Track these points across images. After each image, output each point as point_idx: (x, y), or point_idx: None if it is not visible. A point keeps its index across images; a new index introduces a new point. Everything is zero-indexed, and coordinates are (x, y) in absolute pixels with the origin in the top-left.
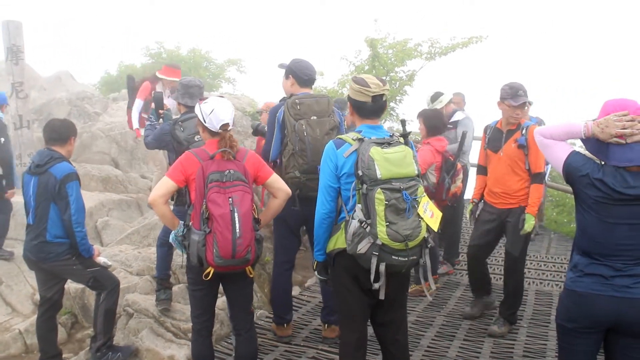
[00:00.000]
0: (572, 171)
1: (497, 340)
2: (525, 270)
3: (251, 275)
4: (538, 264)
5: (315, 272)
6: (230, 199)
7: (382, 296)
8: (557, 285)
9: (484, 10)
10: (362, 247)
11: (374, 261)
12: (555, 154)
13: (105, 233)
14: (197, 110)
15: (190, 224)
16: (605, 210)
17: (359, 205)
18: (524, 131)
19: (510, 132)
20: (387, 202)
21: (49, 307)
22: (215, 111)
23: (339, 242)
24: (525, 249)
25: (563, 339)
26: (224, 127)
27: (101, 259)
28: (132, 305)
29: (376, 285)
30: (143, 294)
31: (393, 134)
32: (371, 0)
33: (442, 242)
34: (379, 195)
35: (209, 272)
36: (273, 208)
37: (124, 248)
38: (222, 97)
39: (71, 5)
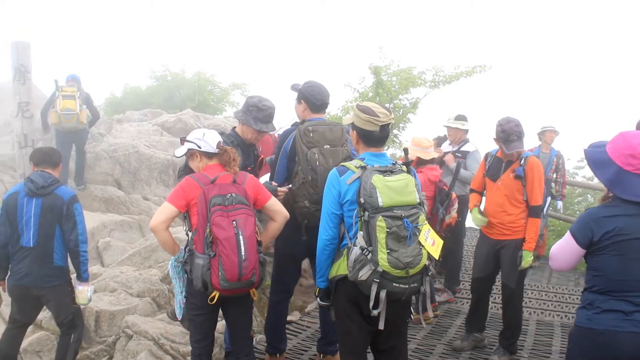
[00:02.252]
0: (589, 234)
1: None
2: (526, 300)
3: (255, 298)
4: (539, 293)
5: (317, 299)
6: (234, 222)
7: (381, 326)
8: (558, 315)
9: (489, 39)
10: (363, 274)
11: (374, 288)
12: (565, 249)
13: (107, 254)
14: (185, 146)
15: (192, 248)
16: (626, 248)
17: (361, 233)
18: (522, 162)
19: (509, 163)
20: (388, 230)
21: (22, 326)
22: (205, 134)
23: (341, 268)
24: (522, 280)
25: None
26: (219, 144)
27: (89, 292)
28: (131, 327)
29: (375, 312)
30: (143, 315)
31: (396, 162)
32: (376, 24)
33: (443, 270)
34: (381, 223)
35: (214, 296)
36: (272, 231)
37: (124, 269)
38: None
39: (77, 26)
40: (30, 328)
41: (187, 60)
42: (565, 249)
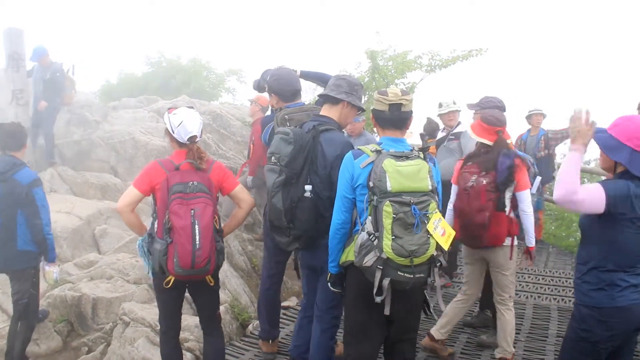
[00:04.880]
0: (617, 201)
1: (494, 353)
2: (523, 284)
3: (211, 284)
4: (536, 277)
5: (329, 284)
6: (192, 211)
7: (387, 311)
8: (554, 299)
9: (486, 22)
10: (369, 260)
11: (377, 275)
12: (593, 202)
13: (103, 241)
14: (165, 119)
15: (154, 232)
16: None
17: (370, 218)
18: None
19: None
20: (394, 216)
21: None
22: (183, 123)
23: (350, 254)
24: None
25: (591, 356)
26: (192, 139)
27: (56, 272)
28: (128, 314)
29: (378, 299)
30: (140, 302)
31: (414, 149)
32: (371, 9)
33: None
34: (387, 208)
35: (169, 280)
36: (237, 218)
37: (121, 256)
38: (191, 107)
39: (71, 13)
40: None
41: (182, 46)
42: (592, 200)
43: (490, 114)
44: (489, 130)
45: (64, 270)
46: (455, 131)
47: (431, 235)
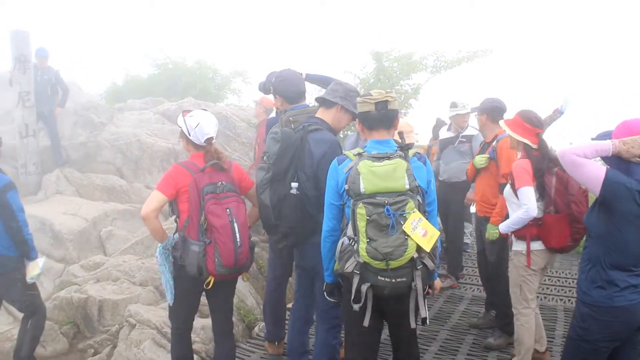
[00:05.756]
0: (614, 187)
1: (501, 355)
2: None
3: (245, 280)
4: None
5: (325, 294)
6: (228, 210)
7: (366, 322)
8: (561, 300)
9: (485, 22)
10: (349, 265)
11: (355, 280)
12: (591, 173)
13: (109, 243)
14: (180, 122)
15: (185, 235)
16: None
17: (351, 222)
18: (494, 143)
19: (487, 144)
20: (368, 217)
21: None
22: (200, 125)
23: None
24: (504, 255)
25: (591, 356)
26: (209, 140)
27: (40, 261)
28: (134, 316)
29: (356, 307)
30: (146, 304)
31: (403, 148)
32: (375, 9)
33: (446, 257)
34: (361, 210)
35: (209, 282)
36: (253, 217)
37: (127, 258)
38: (205, 110)
39: (77, 14)
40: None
41: (188, 48)
42: (590, 173)
43: (533, 114)
44: (532, 131)
45: (70, 272)
46: (465, 133)
47: (409, 236)
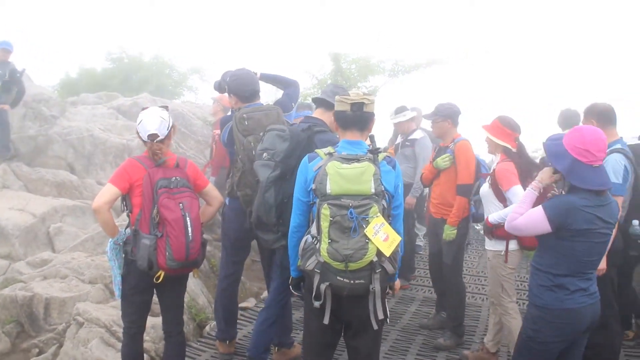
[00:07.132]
0: (563, 217)
1: (450, 355)
2: (479, 286)
3: (195, 277)
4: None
5: (290, 287)
6: (180, 205)
7: (326, 320)
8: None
9: (486, 22)
10: (310, 263)
11: (316, 279)
12: (536, 224)
13: (58, 239)
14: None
15: (138, 228)
16: (593, 234)
17: (315, 221)
18: (451, 145)
19: (444, 148)
20: (332, 219)
21: None
22: (143, 122)
23: None
24: (459, 258)
25: (541, 356)
26: (152, 137)
27: None
28: (82, 314)
29: (317, 304)
30: (95, 302)
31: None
32: (375, 9)
33: None
34: (325, 211)
35: (159, 275)
36: (207, 215)
37: (76, 255)
38: (164, 107)
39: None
40: None
41: (145, 43)
42: (535, 224)
43: (512, 119)
44: (511, 136)
45: (15, 269)
46: (410, 137)
47: (370, 240)
